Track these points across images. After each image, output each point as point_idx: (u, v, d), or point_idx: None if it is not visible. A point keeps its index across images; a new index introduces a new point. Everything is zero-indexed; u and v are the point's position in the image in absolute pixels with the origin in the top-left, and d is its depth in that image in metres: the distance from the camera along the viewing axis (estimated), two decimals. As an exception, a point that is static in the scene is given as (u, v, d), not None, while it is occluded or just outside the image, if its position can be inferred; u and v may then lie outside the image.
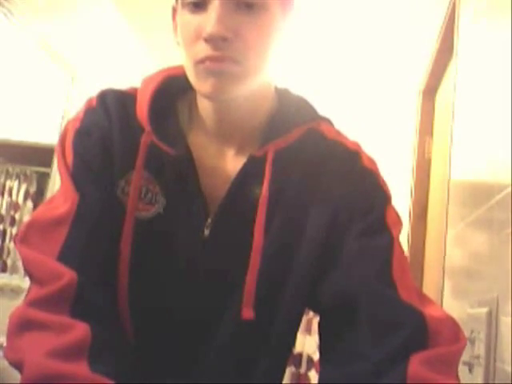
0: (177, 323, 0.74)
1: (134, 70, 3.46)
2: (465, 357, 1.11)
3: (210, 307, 0.74)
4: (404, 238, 2.53)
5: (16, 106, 2.33)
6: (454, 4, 1.73)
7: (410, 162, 2.60)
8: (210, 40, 0.66)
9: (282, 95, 0.80)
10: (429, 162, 2.37)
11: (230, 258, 0.73)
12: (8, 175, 2.36)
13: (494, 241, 1.05)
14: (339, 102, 3.83)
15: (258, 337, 0.75)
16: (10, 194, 2.35)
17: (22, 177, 2.41)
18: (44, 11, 2.37)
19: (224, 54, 0.66)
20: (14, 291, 2.31)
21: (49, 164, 2.52)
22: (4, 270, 2.31)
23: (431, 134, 2.39)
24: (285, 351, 0.80)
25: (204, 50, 0.66)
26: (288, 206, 0.74)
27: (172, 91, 0.78)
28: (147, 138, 0.73)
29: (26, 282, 2.34)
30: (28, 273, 0.67)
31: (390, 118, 3.73)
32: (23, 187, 2.40)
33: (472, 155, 1.36)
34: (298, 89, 0.85)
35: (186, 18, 0.69)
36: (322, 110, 0.81)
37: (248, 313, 0.71)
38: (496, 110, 1.13)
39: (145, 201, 0.73)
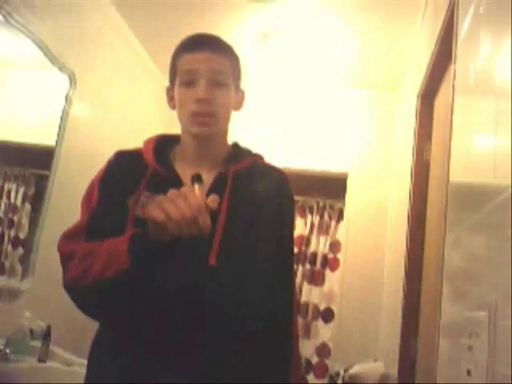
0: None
1: (133, 71, 3.47)
2: (463, 360, 1.11)
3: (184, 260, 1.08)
4: (403, 242, 2.53)
5: (15, 108, 2.33)
6: (453, 8, 1.73)
7: (408, 165, 2.61)
8: (199, 101, 1.16)
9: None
10: (427, 165, 2.37)
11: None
12: (6, 177, 2.35)
13: (493, 244, 1.05)
14: (340, 103, 3.83)
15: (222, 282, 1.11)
16: (9, 197, 2.34)
17: (20, 179, 2.41)
18: (43, 13, 2.37)
19: (207, 110, 1.17)
20: (12, 294, 2.31)
21: (47, 166, 2.52)
22: (2, 272, 2.30)
23: (430, 137, 2.39)
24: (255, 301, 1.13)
25: (195, 107, 1.17)
26: (240, 200, 1.18)
27: (164, 141, 1.28)
28: (151, 166, 1.19)
29: (23, 285, 2.34)
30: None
31: (390, 121, 3.73)
32: (21, 189, 2.39)
33: (471, 158, 1.36)
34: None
35: (182, 90, 1.20)
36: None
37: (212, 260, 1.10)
38: (495, 113, 1.13)
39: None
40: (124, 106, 3.35)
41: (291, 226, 1.29)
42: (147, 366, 1.08)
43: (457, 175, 1.51)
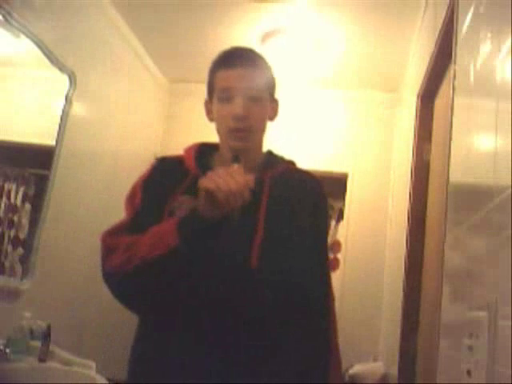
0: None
1: (133, 71, 3.47)
2: (464, 360, 1.11)
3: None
4: (403, 242, 2.53)
5: (15, 108, 2.33)
6: (453, 8, 1.73)
7: (408, 165, 2.61)
8: (236, 118, 1.22)
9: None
10: (427, 165, 2.37)
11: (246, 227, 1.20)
12: (6, 177, 2.35)
13: (494, 244, 1.05)
14: (340, 103, 3.83)
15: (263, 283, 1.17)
16: (9, 197, 2.34)
17: (20, 179, 2.41)
18: (43, 13, 2.37)
19: (244, 126, 1.23)
20: (12, 294, 2.31)
21: (47, 166, 2.52)
22: (2, 272, 2.30)
23: (430, 138, 2.39)
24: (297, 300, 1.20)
25: (233, 124, 1.23)
26: (277, 204, 1.25)
27: (205, 149, 1.34)
28: (192, 172, 1.26)
29: (23, 285, 2.35)
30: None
31: (390, 121, 3.73)
32: (21, 190, 2.39)
33: (471, 158, 1.36)
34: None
35: (220, 106, 1.26)
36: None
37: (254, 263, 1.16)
38: (495, 113, 1.13)
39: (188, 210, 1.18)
40: (124, 106, 3.35)
41: (326, 228, 1.38)
42: (196, 356, 1.13)
43: (457, 175, 1.51)
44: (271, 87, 1.32)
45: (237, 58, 1.26)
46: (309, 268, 1.24)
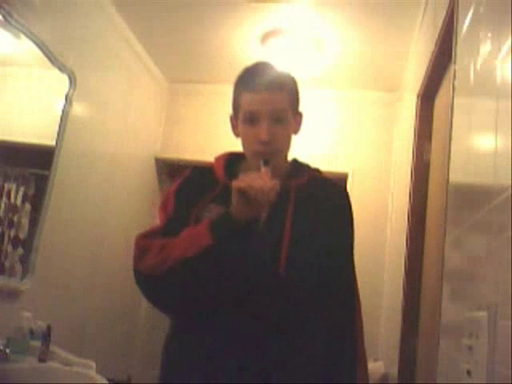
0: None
1: (133, 71, 3.47)
2: (464, 360, 1.11)
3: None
4: (403, 242, 2.53)
5: (15, 108, 2.33)
6: (453, 8, 1.73)
7: (408, 165, 2.61)
8: (261, 143, 1.26)
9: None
10: (427, 165, 2.37)
11: (272, 235, 1.25)
12: (6, 177, 2.35)
13: (494, 244, 1.05)
14: (339, 103, 3.83)
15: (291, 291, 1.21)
16: (9, 197, 2.34)
17: (20, 179, 2.41)
18: (43, 13, 2.37)
19: (269, 149, 1.27)
20: (12, 293, 2.31)
21: (47, 166, 2.52)
22: (2, 272, 2.30)
23: (430, 138, 2.39)
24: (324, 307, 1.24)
25: (258, 148, 1.28)
26: (303, 212, 1.29)
27: (234, 158, 1.40)
28: (222, 181, 1.31)
29: (23, 285, 2.35)
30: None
31: (390, 121, 3.73)
32: (21, 190, 2.39)
33: (471, 158, 1.36)
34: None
35: (246, 127, 1.30)
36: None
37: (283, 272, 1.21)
38: (495, 113, 1.13)
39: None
40: (124, 106, 3.35)
41: (351, 236, 1.41)
42: (226, 358, 1.19)
43: (457, 175, 1.51)
44: (295, 103, 1.35)
45: (262, 81, 1.28)
46: (334, 273, 1.29)
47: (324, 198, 1.35)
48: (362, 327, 1.31)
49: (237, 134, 1.36)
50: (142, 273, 1.22)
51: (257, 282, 1.20)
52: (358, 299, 1.34)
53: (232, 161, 1.38)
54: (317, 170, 1.43)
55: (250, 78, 1.31)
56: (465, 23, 1.55)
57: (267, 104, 1.26)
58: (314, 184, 1.37)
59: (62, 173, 2.59)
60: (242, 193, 1.14)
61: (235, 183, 1.16)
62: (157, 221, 1.34)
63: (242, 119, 1.31)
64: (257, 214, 1.18)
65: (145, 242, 1.26)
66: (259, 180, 1.15)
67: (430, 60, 2.17)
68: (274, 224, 1.25)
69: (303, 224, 1.27)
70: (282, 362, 1.19)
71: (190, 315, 1.23)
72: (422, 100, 2.46)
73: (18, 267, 2.38)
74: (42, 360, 2.11)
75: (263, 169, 1.21)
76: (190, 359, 1.22)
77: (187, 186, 1.37)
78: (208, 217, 1.24)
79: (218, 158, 1.40)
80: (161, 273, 1.17)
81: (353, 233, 1.41)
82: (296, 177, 1.36)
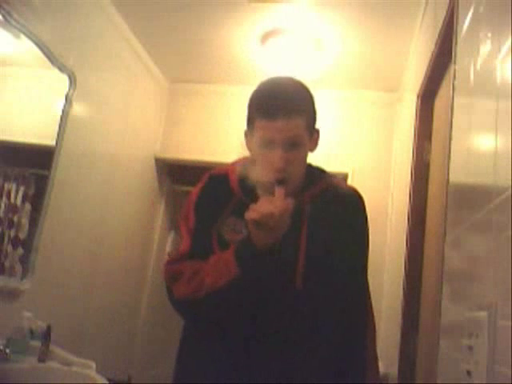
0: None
1: (133, 71, 3.47)
2: (464, 360, 1.11)
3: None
4: (403, 242, 2.53)
5: (15, 108, 2.33)
6: (453, 8, 1.73)
7: (408, 165, 2.61)
8: (277, 170, 1.22)
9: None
10: (427, 165, 2.37)
11: (288, 248, 1.23)
12: (6, 177, 2.35)
13: (494, 244, 1.05)
14: (339, 103, 3.83)
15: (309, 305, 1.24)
16: (9, 197, 2.34)
17: (20, 179, 2.41)
18: (43, 13, 2.37)
19: (284, 176, 1.23)
20: (12, 293, 2.31)
21: (47, 166, 2.52)
22: (2, 272, 2.30)
23: (430, 137, 2.39)
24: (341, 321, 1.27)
25: (273, 175, 1.23)
26: (318, 224, 1.28)
27: (247, 169, 1.32)
28: (237, 196, 1.31)
29: (23, 285, 2.35)
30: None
31: (390, 121, 3.73)
32: (21, 190, 2.39)
33: (471, 158, 1.36)
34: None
35: (260, 151, 1.26)
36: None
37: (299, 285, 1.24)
38: (495, 113, 1.13)
39: (236, 231, 1.28)
40: (124, 106, 3.35)
41: (365, 243, 1.39)
42: (243, 372, 1.22)
43: (457, 175, 1.51)
44: (312, 123, 1.31)
45: (277, 107, 1.22)
46: (350, 286, 1.31)
47: (339, 209, 1.33)
48: (375, 340, 1.36)
49: (250, 149, 1.33)
50: (179, 300, 1.25)
51: (274, 300, 1.23)
52: (372, 313, 1.39)
53: (246, 169, 1.34)
54: (331, 176, 1.41)
55: (265, 103, 1.25)
56: (465, 23, 1.55)
57: (282, 132, 1.22)
58: (328, 195, 1.35)
59: (61, 173, 2.59)
60: (256, 224, 1.14)
61: (247, 215, 1.15)
62: (180, 234, 1.35)
63: (256, 143, 1.27)
64: (276, 239, 1.17)
65: (174, 269, 1.28)
66: (270, 206, 1.14)
67: (430, 60, 2.17)
68: (288, 241, 1.23)
69: (318, 238, 1.27)
70: (294, 373, 1.23)
71: (216, 331, 1.27)
72: (422, 100, 2.46)
73: (18, 267, 2.38)
74: (41, 360, 2.11)
75: (277, 189, 1.20)
76: (206, 371, 1.26)
77: (206, 197, 1.35)
78: (228, 231, 1.27)
79: (232, 167, 1.37)
80: (195, 300, 1.21)
81: (367, 241, 1.39)
82: (309, 188, 1.34)
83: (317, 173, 1.39)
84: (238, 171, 1.35)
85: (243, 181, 1.32)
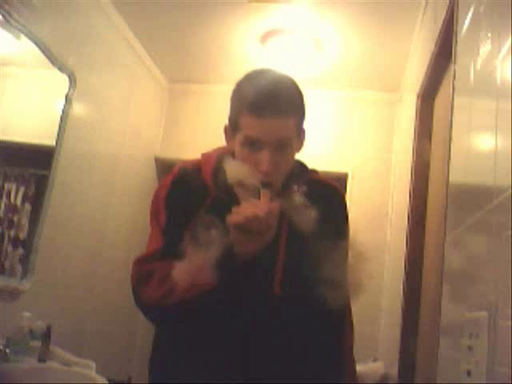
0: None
1: (133, 71, 3.47)
2: (464, 360, 1.11)
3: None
4: (403, 242, 2.53)
5: (15, 108, 2.33)
6: (453, 8, 1.73)
7: (408, 165, 2.61)
8: (263, 174, 1.11)
9: None
10: (427, 165, 2.37)
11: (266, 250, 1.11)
12: (6, 177, 2.35)
13: (494, 244, 1.05)
14: (339, 102, 3.83)
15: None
16: (9, 197, 2.34)
17: (20, 179, 2.41)
18: (43, 13, 2.37)
19: (271, 179, 1.13)
20: (12, 293, 2.31)
21: (47, 166, 2.52)
22: (2, 272, 2.30)
23: (430, 137, 2.39)
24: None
25: (259, 177, 1.12)
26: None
27: (222, 161, 1.20)
28: (213, 193, 1.19)
29: (23, 285, 2.34)
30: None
31: (390, 121, 3.73)
32: (21, 190, 2.39)
33: (471, 158, 1.36)
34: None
35: (244, 150, 1.14)
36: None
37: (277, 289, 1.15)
38: (495, 113, 1.13)
39: (212, 231, 1.11)
40: (124, 106, 3.35)
41: (345, 239, 1.33)
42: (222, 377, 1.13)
43: (457, 175, 1.51)
44: (301, 123, 1.20)
45: (266, 103, 1.10)
46: (329, 287, 1.20)
47: (319, 206, 1.19)
48: (352, 340, 1.34)
49: (231, 147, 1.21)
50: (147, 304, 1.16)
51: (252, 305, 1.14)
52: (350, 312, 1.38)
53: (221, 163, 1.20)
54: (313, 173, 1.33)
55: (252, 96, 1.12)
56: (465, 23, 1.55)
57: (271, 132, 1.11)
58: (308, 190, 1.23)
59: (61, 173, 2.59)
60: (240, 228, 1.03)
61: (230, 219, 1.03)
62: (149, 229, 1.25)
63: (240, 141, 1.15)
64: (262, 245, 1.07)
65: (145, 268, 1.18)
66: (255, 209, 1.03)
67: (430, 60, 2.17)
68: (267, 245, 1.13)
69: (297, 241, 1.16)
70: (272, 379, 1.15)
71: (187, 334, 1.18)
72: (421, 100, 2.47)
73: (18, 267, 2.38)
74: (41, 360, 2.11)
75: (263, 192, 1.10)
76: (183, 377, 1.16)
77: (177, 191, 1.22)
78: (203, 231, 1.11)
79: (206, 160, 1.25)
80: (163, 307, 1.11)
81: (347, 237, 1.33)
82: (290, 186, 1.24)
83: (297, 171, 1.27)
84: (213, 166, 1.22)
85: (217, 176, 1.19)
